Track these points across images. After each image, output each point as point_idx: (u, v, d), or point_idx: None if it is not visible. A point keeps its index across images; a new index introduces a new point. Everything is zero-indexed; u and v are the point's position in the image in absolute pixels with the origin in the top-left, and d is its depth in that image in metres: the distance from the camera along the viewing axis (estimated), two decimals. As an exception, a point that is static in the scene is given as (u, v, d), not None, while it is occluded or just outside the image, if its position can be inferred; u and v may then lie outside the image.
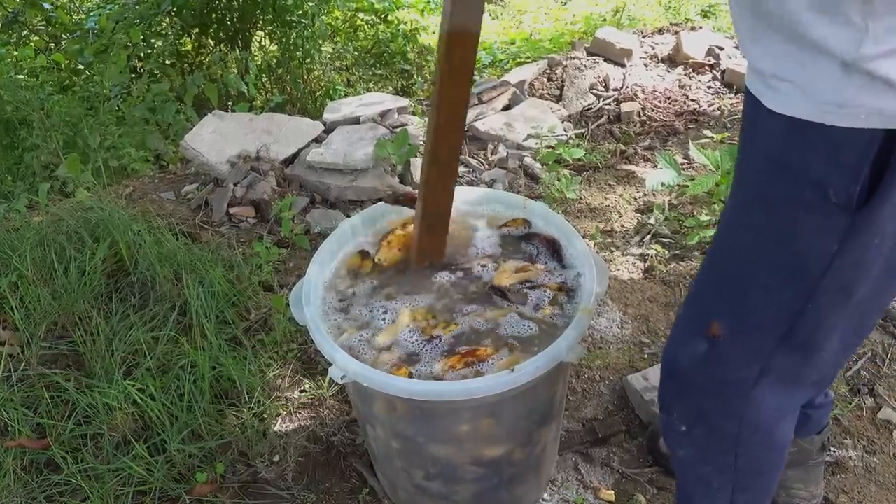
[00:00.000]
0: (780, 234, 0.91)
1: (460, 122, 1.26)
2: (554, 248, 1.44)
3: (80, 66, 4.02)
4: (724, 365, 1.06)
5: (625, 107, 3.13)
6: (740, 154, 0.98)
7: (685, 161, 2.76)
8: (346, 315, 1.35)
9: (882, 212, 0.83)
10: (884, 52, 0.74)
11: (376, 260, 1.44)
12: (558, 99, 3.30)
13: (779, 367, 1.03)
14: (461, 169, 2.76)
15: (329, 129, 2.96)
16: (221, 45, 4.33)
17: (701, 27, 3.85)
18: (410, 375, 1.22)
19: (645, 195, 2.62)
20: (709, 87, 3.29)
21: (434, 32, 5.04)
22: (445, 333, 1.28)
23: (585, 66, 3.41)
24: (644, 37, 3.76)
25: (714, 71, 3.39)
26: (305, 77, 4.38)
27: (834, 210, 0.84)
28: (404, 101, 3.12)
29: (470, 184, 2.68)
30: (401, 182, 2.64)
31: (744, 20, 0.87)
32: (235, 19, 4.25)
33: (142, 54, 3.93)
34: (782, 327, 0.98)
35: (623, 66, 3.45)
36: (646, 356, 1.95)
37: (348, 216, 2.45)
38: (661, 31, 3.82)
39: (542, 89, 3.38)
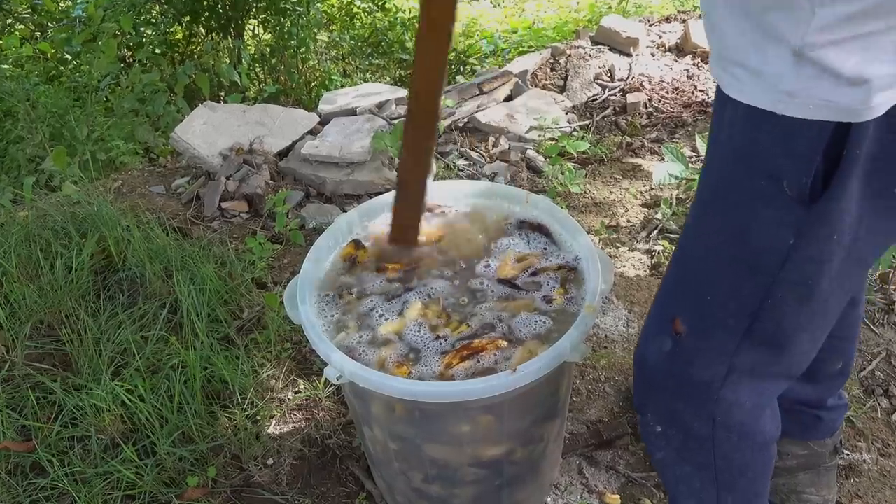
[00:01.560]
0: (738, 226, 0.93)
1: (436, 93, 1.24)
2: (542, 231, 1.47)
3: (67, 56, 4.01)
4: (688, 364, 1.07)
5: (631, 98, 3.12)
6: (708, 146, 1.00)
7: (693, 154, 2.75)
8: (346, 308, 1.35)
9: (837, 205, 0.84)
10: (830, 41, 0.75)
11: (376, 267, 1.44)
12: (562, 89, 3.29)
13: (746, 364, 1.04)
14: (461, 162, 2.76)
15: (325, 120, 2.95)
16: (213, 34, 4.32)
17: (710, 15, 3.83)
18: (410, 375, 1.21)
19: (652, 189, 2.61)
20: (718, 78, 3.28)
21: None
22: (453, 334, 1.27)
23: (590, 56, 3.40)
24: (651, 25, 3.75)
25: (723, 60, 3.38)
26: (300, 67, 4.37)
27: (789, 202, 0.86)
28: (403, 92, 3.11)
29: (471, 177, 2.67)
30: (399, 175, 2.63)
31: (707, 4, 0.89)
32: (227, 6, 4.24)
33: (131, 43, 3.92)
34: (744, 323, 0.99)
35: (629, 55, 3.43)
36: (652, 356, 1.94)
37: (344, 211, 2.45)
38: (668, 19, 3.81)
39: (546, 79, 3.37)
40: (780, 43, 0.79)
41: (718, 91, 0.92)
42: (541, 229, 1.47)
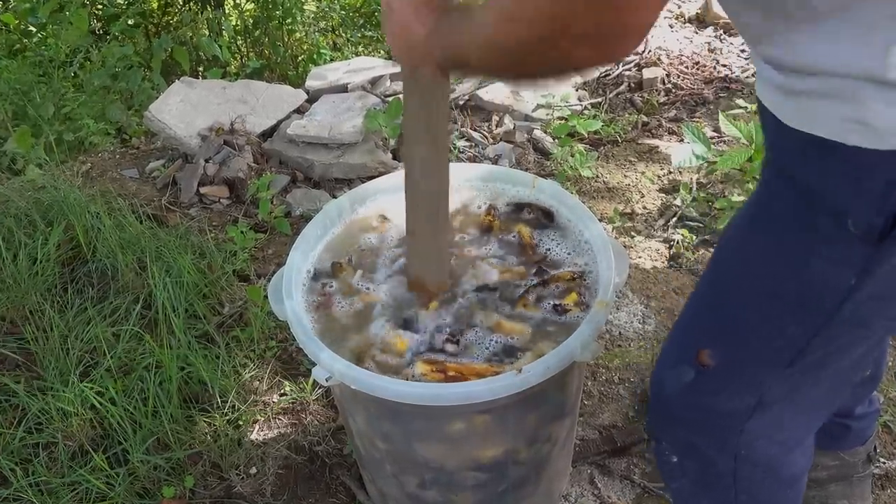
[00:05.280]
0: (790, 261, 0.90)
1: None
2: (546, 214, 1.47)
3: (32, 28, 3.99)
4: (712, 396, 1.05)
5: (647, 73, 3.11)
6: (763, 167, 0.96)
7: (715, 134, 2.74)
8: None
9: None
10: None
11: None
12: (572, 64, 3.27)
13: (779, 397, 1.01)
14: (462, 144, 2.75)
15: (313, 98, 2.94)
16: (191, 4, 4.29)
17: (733, -17, 3.82)
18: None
19: (670, 173, 2.60)
20: (742, 51, 3.27)
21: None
22: (427, 312, 1.29)
23: (603, 27, 3.38)
24: (669, -6, 3.73)
25: (748, 32, 3.37)
26: (286, 39, 4.35)
27: (853, 241, 0.82)
28: (397, 67, 3.09)
29: (472, 160, 2.66)
30: (394, 158, 2.62)
31: (753, 25, 0.84)
32: (207, -26, 4.21)
33: (100, 13, 3.89)
34: (784, 360, 0.96)
35: (645, 26, 3.42)
36: (670, 355, 1.94)
37: (334, 196, 2.44)
38: (688, -12, 3.80)
39: (554, 53, 3.35)
40: (852, 68, 0.74)
41: (763, 109, 0.88)
42: (543, 212, 1.47)
